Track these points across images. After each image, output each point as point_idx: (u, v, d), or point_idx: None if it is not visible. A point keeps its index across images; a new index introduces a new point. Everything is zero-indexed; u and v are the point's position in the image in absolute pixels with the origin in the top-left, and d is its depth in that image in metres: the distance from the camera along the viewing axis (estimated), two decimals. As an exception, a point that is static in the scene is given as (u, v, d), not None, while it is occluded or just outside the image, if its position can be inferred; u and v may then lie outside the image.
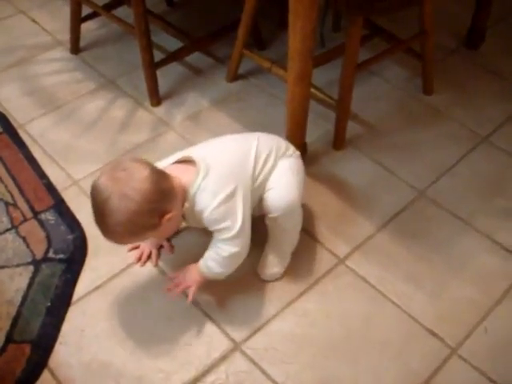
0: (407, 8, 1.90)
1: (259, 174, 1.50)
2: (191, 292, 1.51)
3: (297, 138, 1.80)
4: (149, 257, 1.65)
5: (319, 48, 1.92)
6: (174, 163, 1.48)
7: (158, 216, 1.34)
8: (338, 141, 1.95)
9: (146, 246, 1.66)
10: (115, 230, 1.32)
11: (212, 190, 1.41)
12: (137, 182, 1.30)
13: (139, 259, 1.65)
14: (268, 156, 1.52)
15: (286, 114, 1.76)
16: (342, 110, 1.88)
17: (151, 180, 1.32)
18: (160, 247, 1.67)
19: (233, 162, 1.49)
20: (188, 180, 1.41)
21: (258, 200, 1.53)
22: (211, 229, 1.45)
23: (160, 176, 1.36)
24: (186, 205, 1.42)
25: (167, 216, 1.35)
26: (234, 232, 1.42)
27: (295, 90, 1.67)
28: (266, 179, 1.52)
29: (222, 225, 1.42)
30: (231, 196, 1.42)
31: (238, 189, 1.43)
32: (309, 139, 1.86)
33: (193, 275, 1.51)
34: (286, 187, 1.53)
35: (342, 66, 1.81)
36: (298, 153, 1.63)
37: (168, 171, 1.41)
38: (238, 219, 1.42)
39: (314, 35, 1.56)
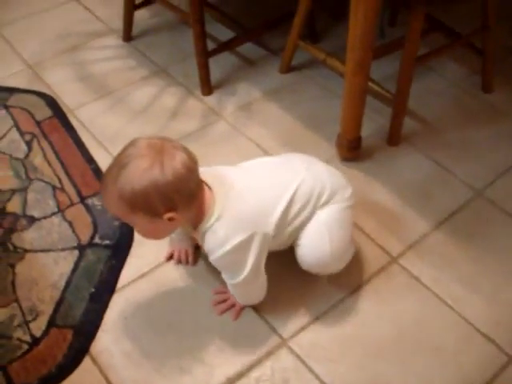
0: None
1: (288, 225, 1.38)
2: (234, 312, 1.48)
3: (352, 131, 1.76)
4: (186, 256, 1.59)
5: (378, 40, 1.87)
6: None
7: (165, 208, 1.22)
8: (394, 136, 1.89)
9: (179, 244, 1.58)
10: (119, 188, 1.19)
11: (222, 237, 1.29)
12: (176, 163, 1.20)
13: (170, 258, 1.60)
14: (303, 207, 1.38)
15: (342, 107, 1.72)
16: (399, 104, 1.82)
17: (187, 170, 1.22)
18: (197, 246, 1.58)
19: (256, 208, 1.34)
20: (206, 206, 1.30)
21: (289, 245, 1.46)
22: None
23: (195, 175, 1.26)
24: (197, 232, 1.33)
25: (171, 214, 1.23)
26: (235, 281, 1.37)
27: (353, 80, 1.62)
28: (297, 230, 1.40)
29: (225, 271, 1.40)
30: (242, 246, 1.31)
31: (253, 237, 1.31)
32: (363, 134, 1.81)
33: None
34: (317, 246, 1.40)
35: (400, 60, 1.75)
36: (346, 197, 1.45)
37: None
38: (245, 270, 1.34)
39: (376, 23, 1.51)
